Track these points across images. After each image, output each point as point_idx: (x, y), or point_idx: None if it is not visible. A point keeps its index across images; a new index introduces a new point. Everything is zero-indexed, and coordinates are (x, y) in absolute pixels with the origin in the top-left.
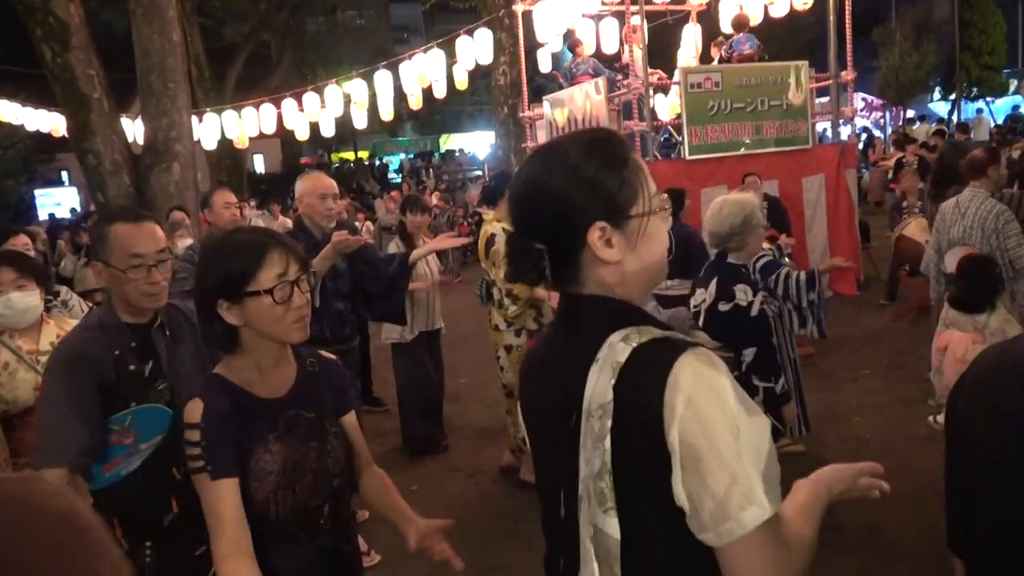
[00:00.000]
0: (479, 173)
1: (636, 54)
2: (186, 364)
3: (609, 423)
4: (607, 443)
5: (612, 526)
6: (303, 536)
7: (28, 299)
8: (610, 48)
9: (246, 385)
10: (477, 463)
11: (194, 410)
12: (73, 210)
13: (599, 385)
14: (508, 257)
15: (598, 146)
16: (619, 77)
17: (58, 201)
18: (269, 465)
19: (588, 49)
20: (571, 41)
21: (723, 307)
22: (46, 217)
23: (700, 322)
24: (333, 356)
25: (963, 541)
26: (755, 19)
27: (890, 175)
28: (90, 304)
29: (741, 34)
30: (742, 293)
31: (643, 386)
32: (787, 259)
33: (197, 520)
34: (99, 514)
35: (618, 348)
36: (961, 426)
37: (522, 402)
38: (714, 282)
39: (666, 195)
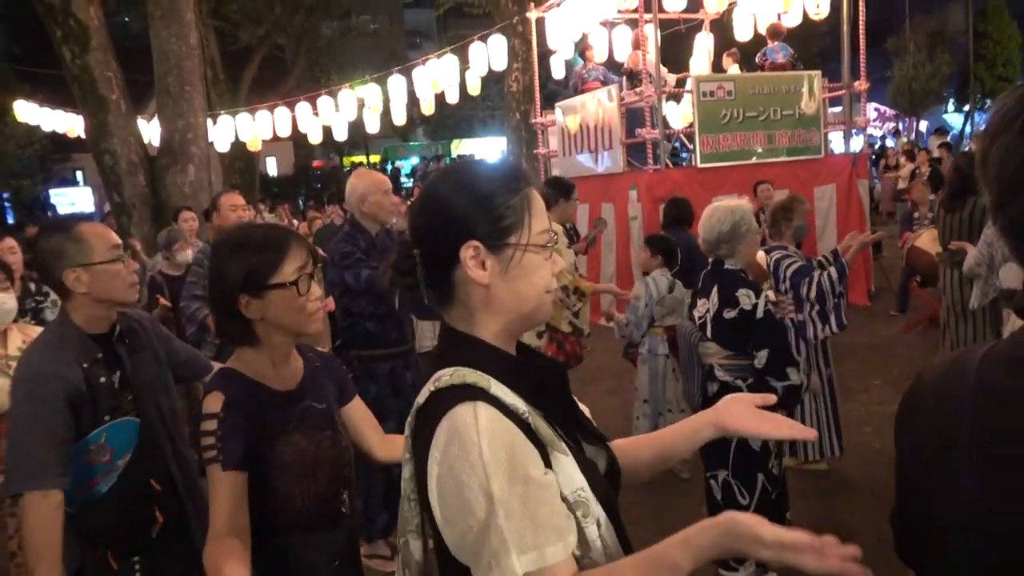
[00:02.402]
0: None
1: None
2: (148, 371)
3: (408, 455)
4: (407, 472)
5: (415, 547)
6: (327, 524)
7: (12, 301)
8: (623, 55)
9: (260, 378)
10: None
11: (213, 402)
12: (100, 215)
13: (408, 419)
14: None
15: (496, 171)
16: (624, 87)
17: (72, 201)
18: (290, 456)
19: (599, 56)
20: (582, 46)
21: (728, 314)
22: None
23: (707, 332)
24: (327, 352)
25: (913, 553)
26: (778, 23)
27: (899, 184)
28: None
29: (775, 43)
30: (745, 297)
31: (421, 434)
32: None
33: (184, 528)
34: (83, 534)
35: (425, 389)
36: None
37: None
38: (715, 290)
39: (555, 237)
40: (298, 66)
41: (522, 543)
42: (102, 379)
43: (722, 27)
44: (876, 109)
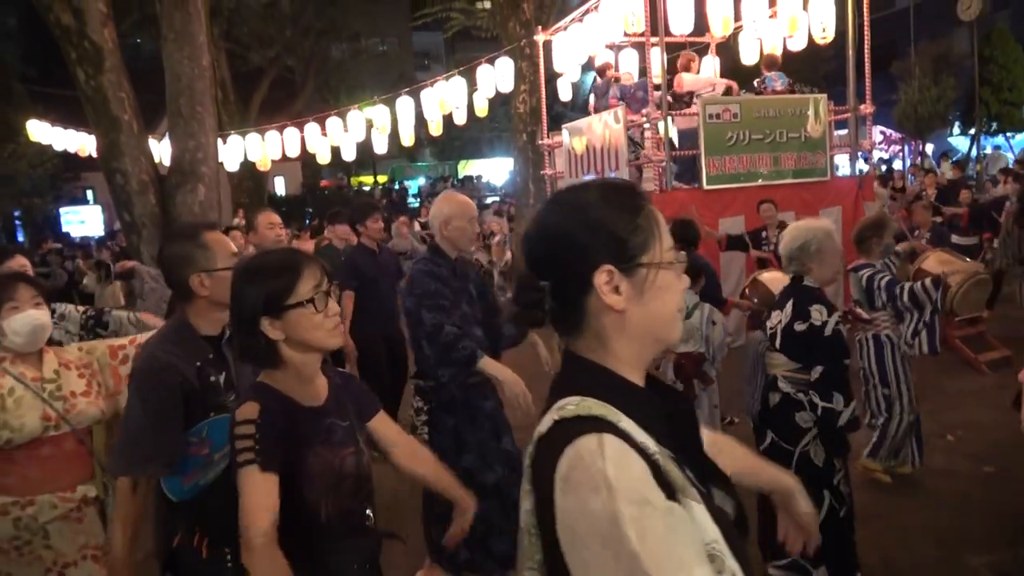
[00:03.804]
0: (495, 198)
1: (686, 78)
2: (247, 375)
3: (528, 487)
4: (527, 504)
5: None
6: (350, 536)
7: (44, 318)
8: (634, 78)
9: (289, 393)
10: None
11: (250, 410)
12: (110, 233)
13: (528, 447)
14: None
15: (615, 191)
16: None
17: (82, 219)
18: (316, 468)
19: (625, 74)
20: (600, 66)
21: (799, 327)
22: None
23: (777, 343)
24: (348, 372)
25: None
26: (775, 51)
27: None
28: (80, 309)
29: (773, 72)
30: (817, 313)
31: (541, 463)
32: None
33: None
34: (184, 524)
35: (548, 417)
36: None
37: None
38: (790, 303)
39: (683, 253)
40: (307, 87)
41: (661, 568)
42: (211, 378)
43: (728, 50)
44: (882, 132)
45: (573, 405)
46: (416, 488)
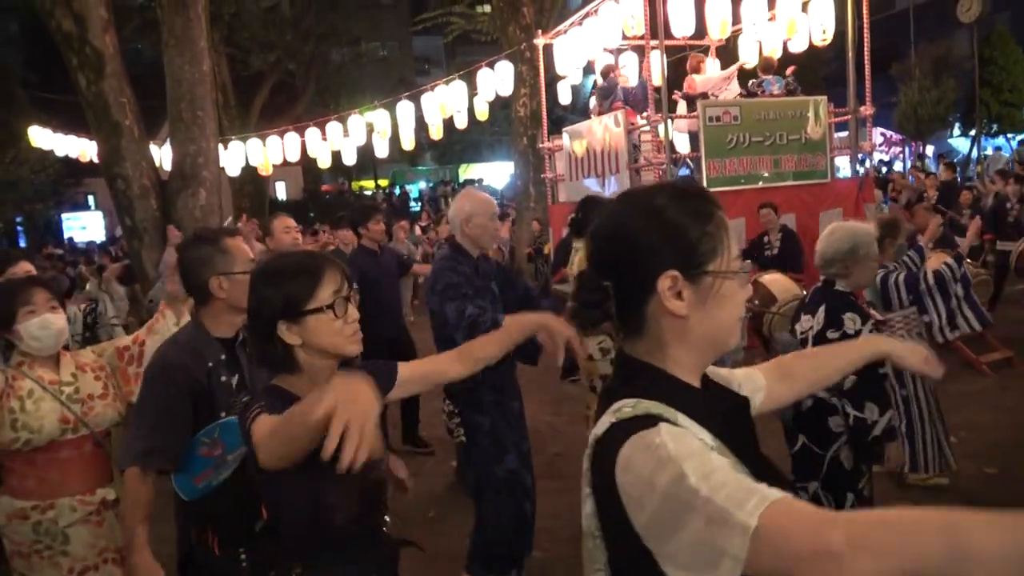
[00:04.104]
0: (496, 202)
1: (698, 79)
2: (263, 378)
3: (588, 490)
4: (589, 508)
5: None
6: (367, 544)
7: (61, 322)
8: (630, 82)
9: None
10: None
11: (264, 422)
12: (111, 238)
13: (586, 450)
14: (573, 293)
15: (686, 196)
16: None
17: (84, 225)
18: (332, 474)
19: (622, 77)
20: (604, 68)
21: (831, 335)
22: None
23: (808, 348)
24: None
25: None
26: (775, 54)
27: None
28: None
29: (770, 76)
30: (850, 321)
31: (600, 463)
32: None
33: (285, 526)
34: (195, 524)
35: (605, 419)
36: None
37: None
38: (822, 309)
39: (748, 262)
40: (308, 92)
41: (738, 498)
42: (223, 379)
43: (728, 53)
44: (882, 134)
45: (630, 407)
46: (432, 497)
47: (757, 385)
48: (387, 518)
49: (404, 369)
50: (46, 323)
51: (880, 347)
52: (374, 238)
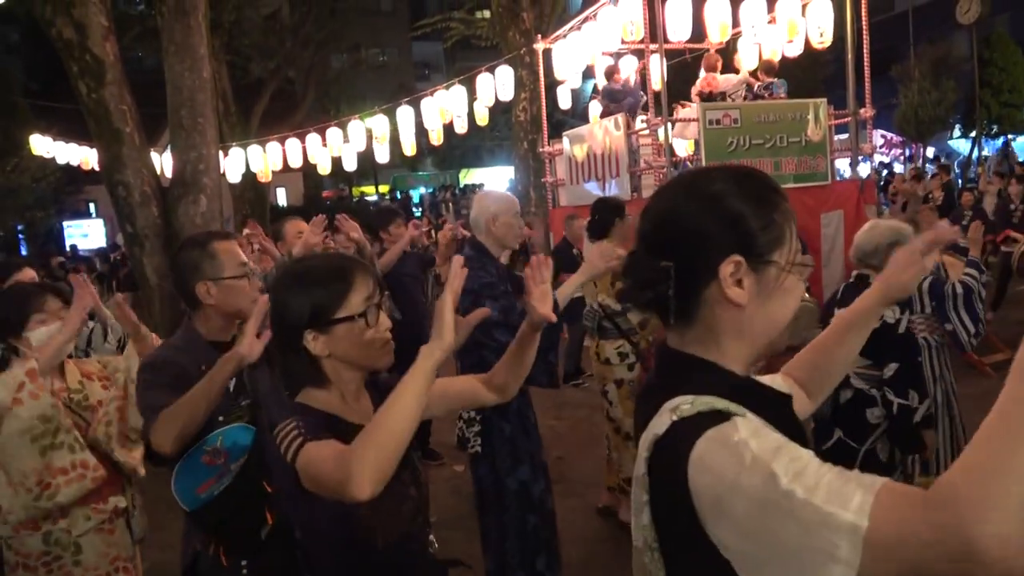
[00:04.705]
0: None
1: (720, 78)
2: (264, 383)
3: (645, 498)
4: (645, 518)
5: None
6: (412, 566)
7: None
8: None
9: (335, 412)
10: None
11: (289, 424)
12: (112, 246)
13: (639, 456)
14: (624, 272)
15: (750, 181)
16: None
17: (85, 232)
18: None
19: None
20: (607, 68)
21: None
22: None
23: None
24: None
25: None
26: (773, 56)
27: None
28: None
29: (776, 79)
30: (890, 311)
31: (662, 466)
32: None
33: (317, 550)
34: (198, 532)
35: (663, 419)
36: None
37: None
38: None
39: (810, 257)
40: (308, 98)
41: (841, 495)
42: None
43: (727, 56)
44: (883, 136)
45: (688, 404)
46: (435, 503)
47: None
48: (432, 538)
49: (439, 385)
50: (57, 331)
51: (888, 275)
52: (396, 241)
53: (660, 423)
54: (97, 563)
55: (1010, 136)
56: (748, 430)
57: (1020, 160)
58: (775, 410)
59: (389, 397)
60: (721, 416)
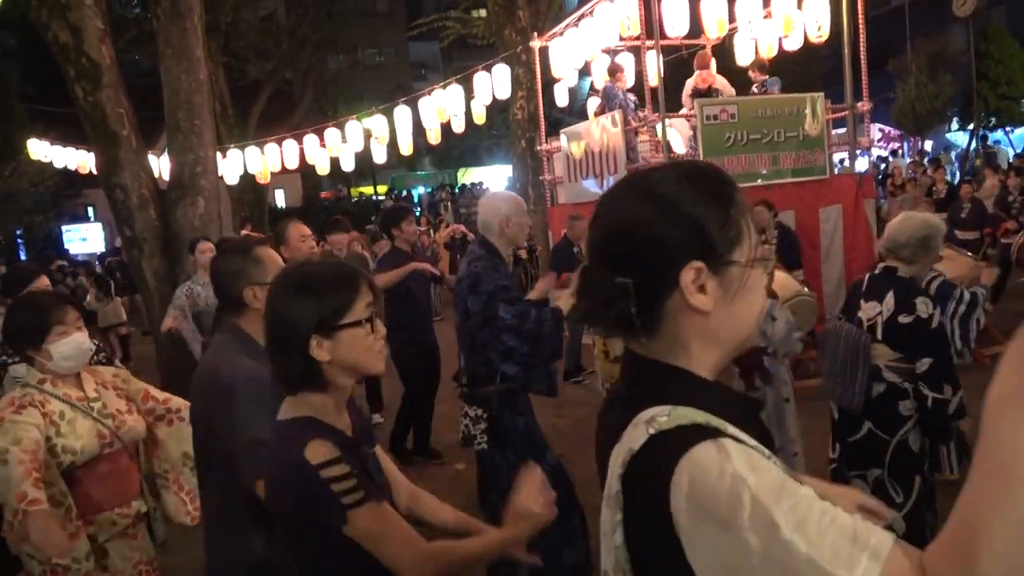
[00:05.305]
0: None
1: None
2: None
3: (619, 517)
4: (618, 539)
5: None
6: None
7: (88, 340)
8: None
9: (333, 423)
10: None
11: (322, 450)
12: (112, 250)
13: (612, 471)
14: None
15: (702, 178)
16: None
17: (84, 236)
18: None
19: (628, 80)
20: (611, 67)
21: (904, 319)
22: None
23: (878, 334)
24: None
25: None
26: (770, 52)
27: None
28: (96, 343)
29: (770, 77)
30: (923, 306)
31: (642, 483)
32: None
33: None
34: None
35: (638, 432)
36: None
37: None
38: (890, 294)
39: (770, 247)
40: (305, 99)
41: (847, 559)
42: None
43: (724, 52)
44: (880, 130)
45: (665, 416)
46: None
47: None
48: None
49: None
50: (76, 343)
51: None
52: (408, 239)
53: (635, 436)
54: (122, 568)
55: (1008, 128)
56: (742, 460)
57: (1017, 153)
58: (746, 416)
59: (473, 542)
60: (702, 431)
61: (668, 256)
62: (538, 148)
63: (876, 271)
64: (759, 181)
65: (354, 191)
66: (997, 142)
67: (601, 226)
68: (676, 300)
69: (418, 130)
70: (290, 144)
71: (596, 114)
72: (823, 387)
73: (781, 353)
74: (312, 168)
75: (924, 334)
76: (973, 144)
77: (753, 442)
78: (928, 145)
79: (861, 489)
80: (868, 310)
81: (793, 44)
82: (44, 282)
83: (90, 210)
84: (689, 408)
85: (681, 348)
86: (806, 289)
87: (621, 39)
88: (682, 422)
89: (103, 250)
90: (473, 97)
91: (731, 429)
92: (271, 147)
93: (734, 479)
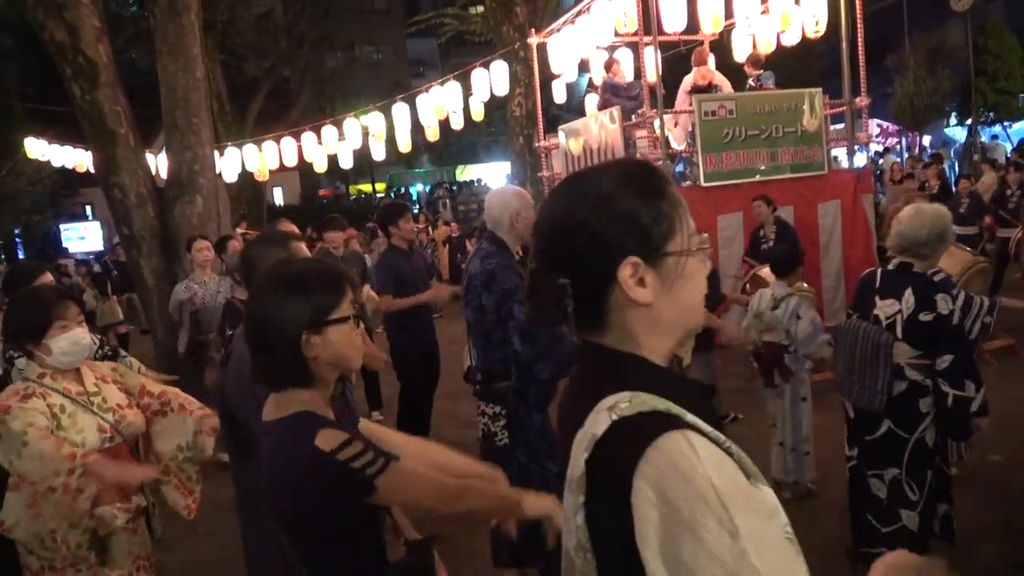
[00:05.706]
0: None
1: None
2: (232, 383)
3: (581, 499)
4: (580, 519)
5: None
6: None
7: (88, 335)
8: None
9: (325, 416)
10: None
11: (331, 436)
12: (110, 248)
13: (576, 456)
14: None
15: (633, 175)
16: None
17: (82, 235)
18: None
19: (626, 73)
20: (607, 61)
21: (924, 317)
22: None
23: (898, 332)
24: None
25: None
26: (768, 47)
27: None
28: (100, 338)
29: (765, 71)
30: (943, 302)
31: (611, 471)
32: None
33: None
34: None
35: (600, 418)
36: None
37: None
38: (909, 292)
39: (706, 235)
40: (303, 97)
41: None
42: None
43: (722, 48)
44: (878, 125)
45: (626, 402)
46: None
47: None
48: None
49: (426, 451)
50: (77, 338)
51: None
52: (405, 237)
53: (598, 422)
54: (123, 562)
55: (1006, 123)
56: (710, 460)
57: (1015, 148)
58: (698, 402)
59: (483, 486)
60: (665, 419)
61: (604, 253)
62: (536, 145)
63: (890, 267)
64: (757, 177)
65: (352, 189)
66: (995, 137)
67: (541, 230)
68: (618, 295)
69: (416, 127)
70: (288, 142)
71: (598, 108)
72: (831, 381)
73: (803, 353)
74: (310, 166)
75: (945, 331)
76: (972, 136)
77: (710, 429)
78: (926, 140)
79: (876, 489)
80: (886, 308)
81: (791, 40)
82: (48, 279)
83: (88, 209)
84: (648, 395)
85: (631, 339)
86: (804, 285)
87: (618, 35)
88: (643, 408)
89: (100, 249)
90: (471, 94)
91: (689, 417)
92: (269, 145)
93: (703, 480)
